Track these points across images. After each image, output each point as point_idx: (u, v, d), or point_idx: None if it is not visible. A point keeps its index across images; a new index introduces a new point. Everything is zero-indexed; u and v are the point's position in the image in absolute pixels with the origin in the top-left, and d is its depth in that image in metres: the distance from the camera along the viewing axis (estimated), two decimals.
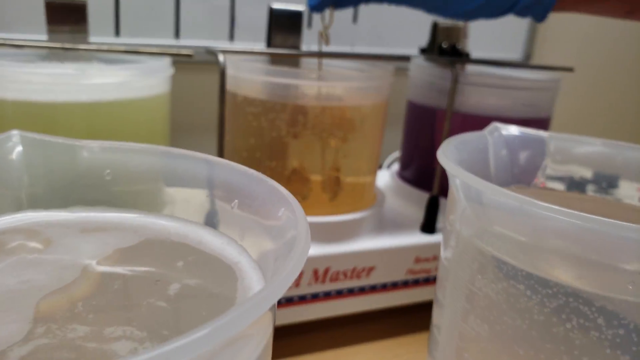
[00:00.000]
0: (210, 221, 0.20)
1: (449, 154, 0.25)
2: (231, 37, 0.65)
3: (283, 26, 0.49)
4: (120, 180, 0.21)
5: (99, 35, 0.59)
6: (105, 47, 0.39)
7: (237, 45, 0.67)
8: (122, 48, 0.39)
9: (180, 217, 0.21)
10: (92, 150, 0.21)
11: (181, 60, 0.64)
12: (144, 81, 0.38)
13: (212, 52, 0.39)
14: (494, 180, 0.29)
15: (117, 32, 0.59)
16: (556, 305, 0.19)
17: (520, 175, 0.30)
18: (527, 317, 0.20)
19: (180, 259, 0.18)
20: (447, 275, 0.26)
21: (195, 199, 0.21)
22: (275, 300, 0.14)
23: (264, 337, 0.15)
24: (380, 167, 0.75)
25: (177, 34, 0.62)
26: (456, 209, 0.25)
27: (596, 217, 0.18)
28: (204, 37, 0.64)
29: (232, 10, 0.65)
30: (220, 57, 0.38)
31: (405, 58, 0.48)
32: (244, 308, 0.12)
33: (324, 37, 0.45)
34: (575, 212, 0.19)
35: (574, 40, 0.94)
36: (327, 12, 0.46)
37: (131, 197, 0.21)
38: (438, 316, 0.28)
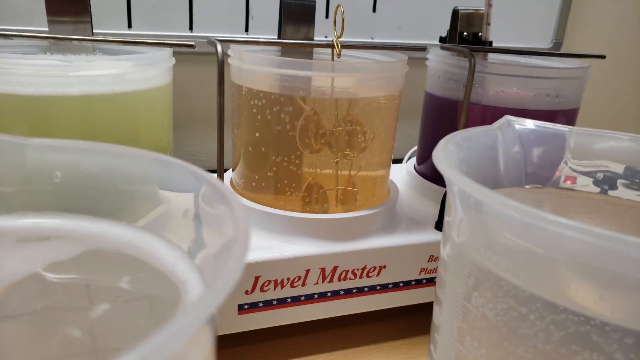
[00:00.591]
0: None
1: (449, 152, 0.22)
2: (246, 29, 0.62)
3: (295, 18, 0.46)
4: (71, 183, 0.18)
5: (111, 27, 0.57)
6: (100, 38, 0.36)
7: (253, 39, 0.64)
8: (119, 39, 0.36)
9: (137, 225, 0.18)
10: (40, 149, 0.19)
11: (185, 52, 0.61)
12: (141, 73, 0.35)
13: (212, 42, 0.37)
14: (504, 180, 0.25)
15: (129, 25, 0.57)
16: (565, 334, 0.16)
17: (535, 174, 0.27)
18: (530, 346, 0.17)
19: (124, 274, 0.15)
20: (444, 278, 0.23)
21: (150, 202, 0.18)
22: (193, 330, 0.11)
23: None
24: (400, 161, 0.71)
25: (191, 26, 0.60)
26: (453, 214, 0.21)
27: (617, 234, 0.14)
28: (219, 29, 0.62)
29: (247, 2, 0.62)
30: (219, 47, 0.36)
31: (421, 48, 0.44)
32: (156, 342, 0.10)
33: (336, 48, 0.42)
34: (591, 227, 0.15)
35: (607, 27, 0.87)
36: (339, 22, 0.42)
37: (85, 201, 0.18)
38: (437, 316, 0.25)
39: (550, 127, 0.27)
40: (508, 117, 0.27)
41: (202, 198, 0.18)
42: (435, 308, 0.25)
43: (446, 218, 0.24)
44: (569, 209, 0.25)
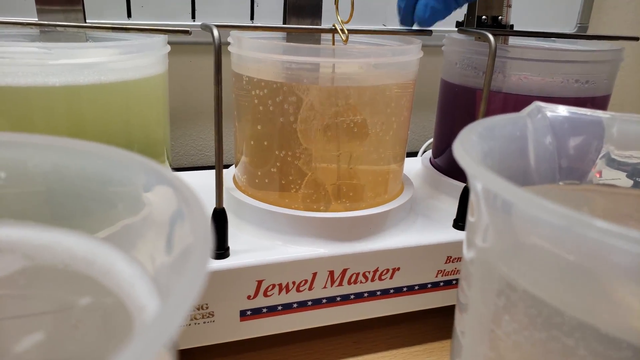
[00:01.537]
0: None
1: (471, 144, 0.18)
2: (252, 17, 0.59)
3: (300, 4, 0.42)
4: (17, 184, 0.15)
5: (109, 16, 0.54)
6: (86, 24, 0.33)
7: None
8: (108, 25, 0.33)
9: (97, 236, 0.15)
10: None
11: (190, 42, 0.58)
12: (130, 61, 0.32)
13: (207, 27, 0.33)
14: (535, 176, 0.22)
15: (129, 14, 0.54)
16: None
17: (570, 168, 0.23)
18: None
19: (71, 295, 0.13)
20: (469, 281, 0.19)
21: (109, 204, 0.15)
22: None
23: None
24: (415, 154, 0.67)
25: (193, 15, 0.57)
26: (476, 216, 0.18)
27: None
28: (223, 18, 0.58)
29: None
30: (215, 32, 0.32)
31: (426, 32, 0.41)
32: None
33: (340, 33, 0.38)
34: None
35: (636, 9, 0.82)
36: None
37: (34, 206, 0.16)
38: (460, 322, 0.21)
39: (588, 113, 0.23)
40: (538, 103, 0.24)
41: (160, 199, 0.14)
42: (457, 316, 0.21)
43: (469, 218, 0.20)
44: (615, 211, 0.22)
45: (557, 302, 0.14)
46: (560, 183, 0.23)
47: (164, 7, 0.56)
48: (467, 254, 0.20)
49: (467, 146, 0.18)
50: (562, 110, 0.24)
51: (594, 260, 0.13)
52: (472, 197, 0.18)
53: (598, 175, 0.23)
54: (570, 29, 0.78)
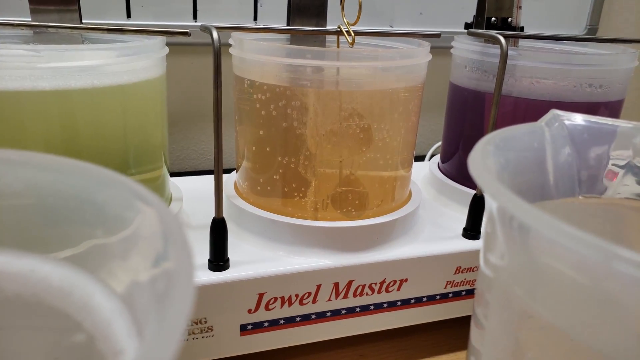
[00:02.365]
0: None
1: (487, 157, 0.17)
2: (255, 18, 0.58)
3: (305, 5, 0.41)
4: None
5: (108, 17, 0.53)
6: (79, 25, 0.32)
7: None
8: (103, 26, 0.32)
9: (70, 261, 0.14)
10: None
11: (193, 43, 0.57)
12: (126, 64, 0.31)
13: (206, 29, 0.32)
14: (553, 190, 0.21)
15: (128, 14, 0.52)
16: None
17: (590, 181, 0.21)
18: None
19: (42, 332, 0.11)
20: (489, 290, 0.18)
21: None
22: None
23: None
24: (422, 158, 0.66)
25: (195, 15, 0.55)
26: (491, 237, 0.17)
27: None
28: (226, 19, 0.57)
29: None
30: (214, 34, 0.31)
31: (435, 35, 0.39)
32: None
33: (346, 35, 0.37)
34: None
35: None
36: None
37: (6, 229, 0.14)
38: (478, 339, 0.20)
39: (609, 122, 0.22)
40: (555, 111, 0.22)
41: (142, 223, 0.13)
42: (478, 310, 0.20)
43: (485, 230, 0.19)
44: None
45: (594, 341, 0.12)
46: (580, 197, 0.21)
47: (164, 7, 0.55)
48: (484, 263, 0.19)
49: (484, 160, 0.16)
50: (581, 119, 0.22)
51: (627, 295, 0.12)
52: (488, 216, 0.17)
53: (620, 189, 0.21)
54: (579, 31, 0.76)
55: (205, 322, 0.34)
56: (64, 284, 0.13)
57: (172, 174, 0.62)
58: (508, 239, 0.17)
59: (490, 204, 0.17)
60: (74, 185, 0.14)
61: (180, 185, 0.44)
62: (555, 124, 0.22)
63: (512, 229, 0.16)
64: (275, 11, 0.59)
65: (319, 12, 0.42)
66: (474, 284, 0.41)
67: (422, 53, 0.38)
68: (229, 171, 0.46)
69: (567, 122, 0.22)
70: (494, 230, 0.17)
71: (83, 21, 0.39)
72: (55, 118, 0.29)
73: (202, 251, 0.35)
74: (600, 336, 0.14)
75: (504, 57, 0.37)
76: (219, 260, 0.34)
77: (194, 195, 0.44)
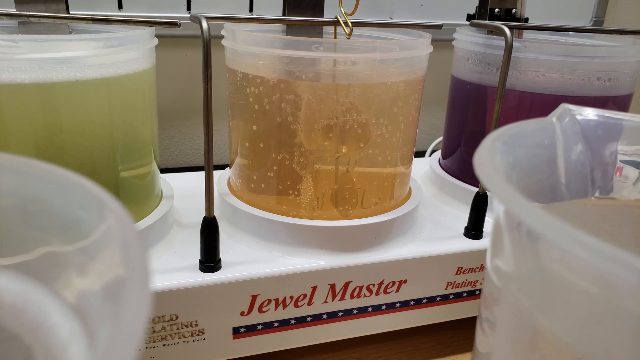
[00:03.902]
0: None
1: (494, 156, 0.15)
2: (251, 9, 0.56)
3: None
4: None
5: (100, 8, 0.51)
6: (61, 15, 0.30)
7: None
8: (88, 16, 0.31)
9: (28, 271, 0.12)
10: None
11: (186, 35, 0.55)
12: (111, 56, 0.29)
13: (196, 19, 0.31)
14: (564, 191, 0.19)
15: (120, 5, 0.51)
16: None
17: (604, 181, 0.20)
18: None
19: None
20: (497, 300, 0.17)
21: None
22: None
23: None
24: (422, 154, 0.64)
25: (188, 6, 0.54)
26: (499, 242, 0.15)
27: None
28: (221, 10, 0.56)
29: None
30: (204, 24, 0.29)
31: (436, 26, 0.38)
32: None
33: (343, 26, 0.36)
34: None
35: None
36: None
37: None
38: (484, 342, 0.19)
39: (626, 118, 0.20)
40: (566, 105, 0.21)
41: (102, 230, 0.12)
42: (484, 312, 0.19)
43: (492, 233, 0.17)
44: None
45: (594, 356, 0.11)
46: (593, 198, 0.20)
47: None
48: (492, 271, 0.17)
49: (491, 159, 0.15)
50: (594, 114, 0.21)
51: None
52: (494, 219, 0.16)
53: (637, 189, 0.20)
54: (585, 23, 0.75)
55: (196, 325, 0.33)
56: (17, 299, 0.12)
57: (166, 170, 0.61)
58: (516, 246, 0.15)
59: (497, 207, 0.15)
60: (32, 187, 0.12)
61: (173, 181, 0.42)
62: (566, 119, 0.20)
63: (521, 235, 0.15)
64: (272, 2, 0.57)
65: (315, 2, 0.40)
66: (475, 285, 0.40)
67: (422, 44, 0.36)
68: (223, 167, 0.45)
69: (579, 117, 0.20)
70: (501, 235, 0.16)
71: (73, 12, 0.38)
72: (36, 113, 0.28)
73: (193, 251, 0.34)
74: (614, 355, 0.12)
75: (508, 49, 0.35)
76: (210, 261, 0.32)
77: (186, 192, 0.43)
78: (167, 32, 0.53)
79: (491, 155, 0.15)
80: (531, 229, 0.13)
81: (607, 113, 0.21)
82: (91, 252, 0.11)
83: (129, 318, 0.09)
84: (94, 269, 0.11)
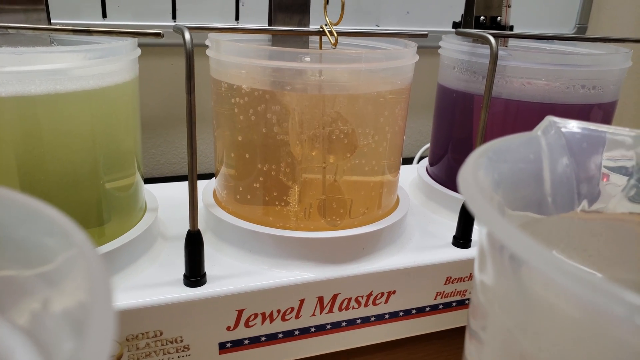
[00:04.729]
0: None
1: (479, 173, 0.15)
2: (237, 18, 0.56)
3: (287, 4, 0.39)
4: None
5: (84, 17, 0.51)
6: (41, 26, 0.30)
7: None
8: (69, 27, 0.30)
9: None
10: None
11: (168, 44, 0.55)
12: (93, 68, 0.29)
13: (179, 30, 0.30)
14: (551, 205, 0.19)
15: (104, 14, 0.50)
16: None
17: (590, 195, 0.20)
18: None
19: None
20: (484, 311, 0.16)
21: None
22: None
23: None
24: (410, 161, 0.64)
25: (174, 15, 0.53)
26: (483, 262, 0.15)
27: None
28: (206, 18, 0.55)
29: None
30: (187, 35, 0.29)
31: (422, 35, 0.37)
32: None
33: (328, 35, 0.35)
34: None
35: (637, 9, 0.80)
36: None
37: None
38: (473, 354, 0.18)
39: (610, 131, 0.20)
40: (551, 118, 0.20)
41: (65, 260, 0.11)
42: (473, 324, 0.18)
43: (478, 251, 0.17)
44: None
45: None
46: (580, 212, 0.20)
47: (142, 7, 0.52)
48: (478, 293, 0.17)
49: (475, 174, 0.15)
50: (580, 127, 0.21)
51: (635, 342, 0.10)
52: (481, 242, 0.15)
53: (622, 203, 0.20)
54: (568, 30, 0.75)
55: (181, 340, 0.32)
56: None
57: (152, 179, 0.60)
58: (498, 268, 0.15)
59: (481, 228, 0.15)
60: None
61: (158, 192, 0.42)
62: (551, 131, 0.20)
63: (503, 258, 0.14)
64: (258, 10, 0.57)
65: (302, 11, 0.40)
66: (464, 295, 0.39)
67: (408, 54, 0.36)
68: (209, 176, 0.44)
69: (564, 130, 0.20)
70: (485, 255, 0.16)
71: (52, 21, 0.37)
72: (15, 126, 0.27)
73: (178, 264, 0.33)
74: None
75: (494, 57, 0.35)
76: (194, 275, 0.32)
77: (171, 202, 0.42)
78: (152, 41, 0.52)
79: (475, 173, 0.15)
80: (514, 254, 0.13)
81: (592, 126, 0.20)
82: (52, 279, 0.11)
83: (93, 344, 0.09)
84: (53, 296, 0.11)
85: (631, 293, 0.10)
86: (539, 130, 0.19)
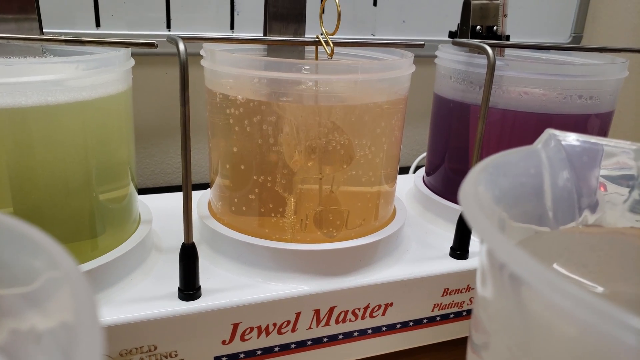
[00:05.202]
0: None
1: (480, 189, 0.15)
2: (232, 27, 0.56)
3: (282, 12, 0.39)
4: None
5: (78, 26, 0.50)
6: (33, 37, 0.29)
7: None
8: (61, 37, 0.30)
9: None
10: None
11: (155, 52, 0.55)
12: (86, 79, 0.29)
13: (173, 40, 0.30)
14: (552, 219, 0.19)
15: (98, 23, 0.50)
16: None
17: (591, 209, 0.20)
18: None
19: None
20: (485, 329, 0.16)
21: None
22: None
23: None
24: (406, 170, 0.64)
25: (168, 24, 0.53)
26: (484, 278, 0.15)
27: None
28: (201, 27, 0.55)
29: None
30: (181, 46, 0.29)
31: (419, 45, 0.37)
32: None
33: (324, 45, 0.35)
34: None
35: (632, 18, 0.80)
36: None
37: None
38: None
39: (611, 144, 0.20)
40: (551, 131, 0.20)
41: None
42: (476, 338, 0.18)
43: (479, 268, 0.17)
44: None
45: None
46: (580, 226, 0.19)
47: (136, 16, 0.52)
48: (478, 307, 0.17)
49: (476, 191, 0.14)
50: (580, 140, 0.20)
51: None
52: (480, 256, 0.15)
53: (624, 216, 0.20)
54: (564, 39, 0.75)
55: (176, 355, 0.32)
56: None
57: (146, 189, 0.60)
58: (498, 287, 0.14)
59: (482, 245, 0.15)
60: None
61: (152, 203, 0.41)
62: (551, 144, 0.20)
63: (503, 277, 0.14)
64: (252, 19, 0.56)
65: (297, 20, 0.40)
66: (462, 306, 0.39)
67: (405, 64, 0.36)
68: (204, 186, 0.44)
69: (564, 143, 0.20)
70: (484, 270, 0.15)
71: (45, 30, 0.37)
72: (6, 138, 0.27)
73: (172, 277, 0.33)
74: None
75: (491, 68, 0.35)
76: (189, 289, 0.31)
77: (166, 213, 0.42)
78: (146, 51, 0.52)
79: (476, 188, 0.15)
80: (514, 273, 0.13)
81: (593, 139, 0.20)
82: (35, 300, 0.11)
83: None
84: (35, 317, 0.10)
85: (631, 315, 0.10)
86: (539, 143, 0.19)
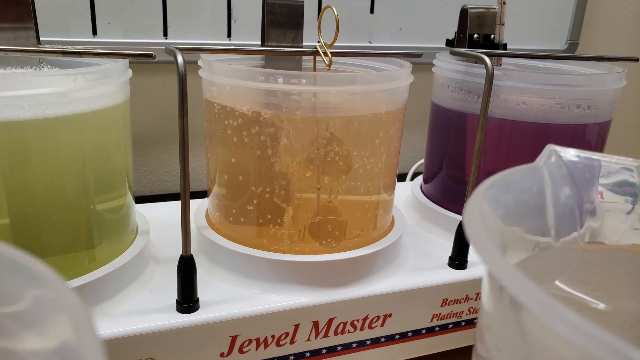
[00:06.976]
0: None
1: (485, 208, 0.15)
2: (229, 34, 0.55)
3: (280, 20, 0.39)
4: None
5: (75, 34, 0.50)
6: (31, 48, 0.29)
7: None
8: (58, 49, 0.29)
9: None
10: None
11: (155, 62, 0.54)
12: (83, 92, 0.28)
13: (171, 52, 0.30)
14: (554, 239, 0.18)
15: (94, 31, 0.50)
16: None
17: (593, 226, 0.20)
18: None
19: None
20: (489, 350, 0.16)
21: None
22: None
23: None
24: (404, 177, 0.64)
25: (165, 32, 0.53)
26: (490, 304, 0.14)
27: None
28: (198, 35, 0.55)
29: (229, 3, 0.55)
30: (179, 57, 0.29)
31: (416, 54, 0.37)
32: None
33: (322, 56, 0.35)
34: None
35: (627, 25, 0.80)
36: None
37: None
38: None
39: (613, 160, 0.20)
40: (552, 146, 0.20)
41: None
42: (481, 349, 0.18)
43: (483, 283, 0.17)
44: None
45: None
46: (582, 243, 0.19)
47: (133, 23, 0.52)
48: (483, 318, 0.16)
49: (481, 211, 0.14)
50: (581, 156, 0.20)
51: None
52: (485, 283, 0.15)
53: (627, 233, 0.19)
54: (560, 46, 0.76)
55: None
56: None
57: (144, 197, 0.59)
58: (499, 308, 0.14)
59: (485, 270, 0.15)
60: None
61: (150, 212, 0.41)
62: (552, 160, 0.20)
63: (504, 299, 0.14)
64: (249, 27, 0.56)
65: (295, 28, 0.40)
66: (461, 316, 0.39)
67: (403, 75, 0.36)
68: (202, 194, 0.44)
69: (566, 160, 0.20)
70: (487, 293, 0.15)
71: (42, 39, 0.36)
72: (3, 151, 0.26)
73: (170, 289, 0.33)
74: None
75: (489, 78, 0.35)
76: (187, 301, 0.31)
77: (163, 223, 0.41)
78: (142, 60, 0.52)
79: (480, 209, 0.14)
80: (513, 297, 0.13)
81: (595, 155, 0.20)
82: (26, 320, 0.11)
83: None
84: (28, 337, 0.10)
85: (630, 346, 0.10)
86: (541, 160, 0.19)
